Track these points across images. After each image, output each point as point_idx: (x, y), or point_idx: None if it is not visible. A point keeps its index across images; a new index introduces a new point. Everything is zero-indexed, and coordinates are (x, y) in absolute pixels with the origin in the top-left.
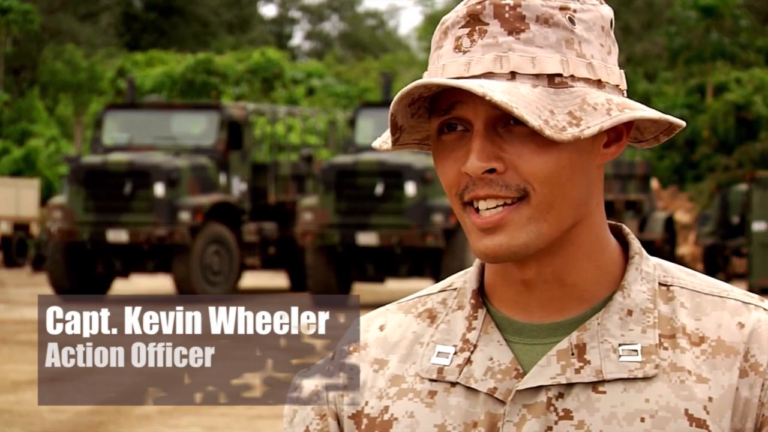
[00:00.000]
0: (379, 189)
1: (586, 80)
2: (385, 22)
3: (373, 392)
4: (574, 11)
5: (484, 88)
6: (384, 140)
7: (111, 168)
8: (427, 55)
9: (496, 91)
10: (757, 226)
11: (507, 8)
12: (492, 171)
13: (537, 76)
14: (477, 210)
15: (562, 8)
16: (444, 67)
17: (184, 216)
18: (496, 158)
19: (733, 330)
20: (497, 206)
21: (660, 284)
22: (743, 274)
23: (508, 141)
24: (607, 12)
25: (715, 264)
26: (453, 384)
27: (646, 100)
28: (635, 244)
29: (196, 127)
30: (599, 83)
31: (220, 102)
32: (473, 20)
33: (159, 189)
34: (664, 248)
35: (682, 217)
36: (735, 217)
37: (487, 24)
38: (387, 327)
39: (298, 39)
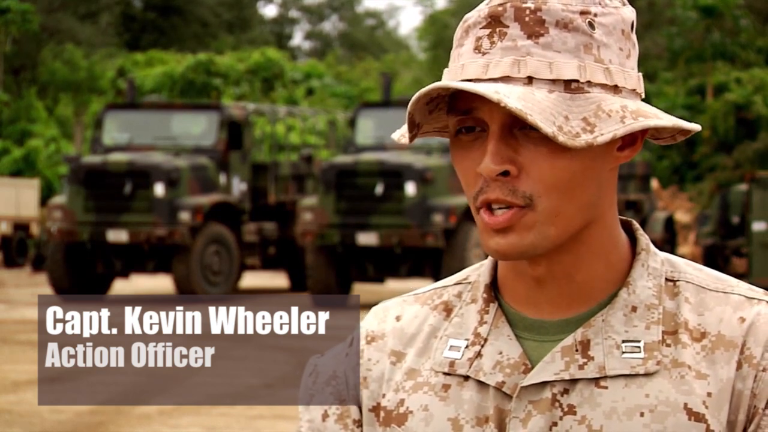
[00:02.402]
0: (379, 189)
1: (603, 86)
2: (385, 22)
3: (390, 385)
4: (595, 15)
5: (500, 93)
6: (402, 134)
7: (111, 168)
8: (426, 55)
9: (512, 97)
10: (757, 226)
11: (527, 12)
12: (505, 174)
13: (554, 81)
14: (490, 209)
15: (582, 12)
16: (463, 67)
17: (184, 216)
18: (510, 161)
19: (733, 324)
20: (506, 207)
21: (667, 279)
22: (743, 274)
23: (523, 144)
24: (629, 14)
25: (715, 264)
26: (466, 378)
27: (646, 101)
28: (643, 241)
29: (196, 127)
30: (615, 89)
31: (220, 102)
32: (494, 22)
33: (159, 189)
34: (664, 248)
35: (682, 217)
36: (735, 217)
37: (508, 26)
38: (403, 318)
39: (298, 39)
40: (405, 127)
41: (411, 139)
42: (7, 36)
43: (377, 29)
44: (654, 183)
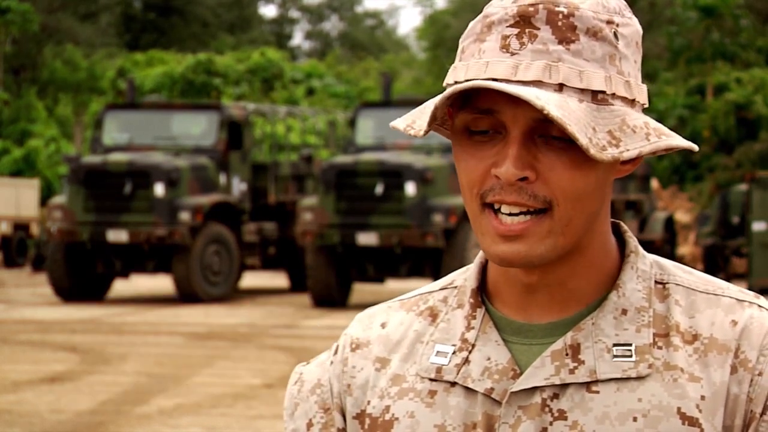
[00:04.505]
0: (379, 189)
1: (623, 99)
2: (385, 22)
3: (375, 392)
4: (617, 25)
5: (542, 100)
6: (408, 124)
7: (111, 168)
8: (426, 55)
9: (552, 105)
10: (757, 226)
11: (560, 16)
12: (523, 179)
13: (582, 90)
14: (496, 212)
15: (608, 22)
16: (488, 65)
17: (184, 216)
18: (530, 167)
19: (726, 328)
20: (520, 213)
21: (656, 282)
22: (743, 274)
23: (543, 151)
24: (639, 26)
25: (715, 264)
26: (452, 384)
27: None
28: (631, 243)
29: (196, 127)
30: (633, 102)
31: (220, 102)
32: (523, 21)
33: (159, 189)
34: (664, 248)
35: (682, 217)
36: (735, 217)
37: (538, 29)
38: (389, 324)
39: (298, 39)
40: (409, 117)
41: (425, 133)
42: (7, 36)
43: (377, 29)
44: (654, 183)
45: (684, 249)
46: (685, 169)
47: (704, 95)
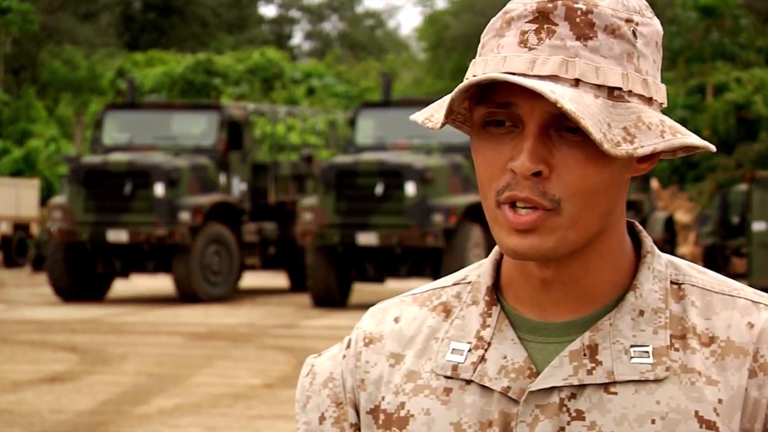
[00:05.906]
0: (379, 189)
1: (640, 97)
2: (385, 22)
3: (389, 388)
4: (637, 24)
5: (556, 94)
6: (427, 117)
7: (111, 168)
8: (426, 56)
9: (566, 99)
10: (757, 226)
11: (579, 13)
12: (537, 174)
13: (599, 86)
14: (513, 206)
15: (627, 20)
16: (505, 59)
17: (184, 216)
18: (544, 162)
19: (742, 330)
20: (533, 207)
21: (671, 282)
22: (743, 274)
23: (558, 146)
24: (660, 27)
25: (715, 264)
26: (468, 382)
27: None
28: (647, 243)
29: (196, 127)
30: (650, 101)
31: (220, 102)
32: (542, 17)
33: (159, 189)
34: (664, 248)
35: (682, 217)
36: (735, 217)
37: (557, 25)
38: (402, 319)
39: (298, 39)
40: (427, 111)
41: (443, 124)
42: (7, 36)
43: (377, 29)
44: (654, 183)
45: (684, 249)
46: (685, 169)
47: (704, 95)
